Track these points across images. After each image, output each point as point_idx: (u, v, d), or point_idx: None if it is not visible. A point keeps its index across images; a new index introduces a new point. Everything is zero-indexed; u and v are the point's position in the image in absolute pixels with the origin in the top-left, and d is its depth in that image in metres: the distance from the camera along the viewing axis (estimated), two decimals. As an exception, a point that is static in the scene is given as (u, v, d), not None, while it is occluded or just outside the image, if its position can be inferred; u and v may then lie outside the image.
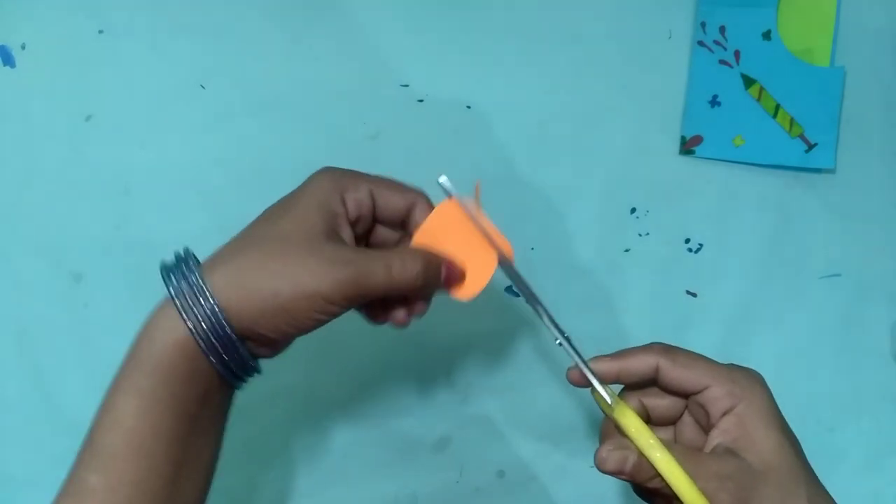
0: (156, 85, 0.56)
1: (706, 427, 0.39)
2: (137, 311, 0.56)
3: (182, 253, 0.38)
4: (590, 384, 0.40)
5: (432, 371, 0.57)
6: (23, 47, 0.56)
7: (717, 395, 0.38)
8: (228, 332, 0.36)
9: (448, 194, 0.40)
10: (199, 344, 0.36)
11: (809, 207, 0.57)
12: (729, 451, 0.37)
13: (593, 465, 0.57)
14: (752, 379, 0.39)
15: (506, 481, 0.57)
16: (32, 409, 0.56)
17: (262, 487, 0.56)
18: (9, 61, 0.56)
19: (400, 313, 0.41)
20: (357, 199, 0.40)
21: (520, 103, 0.57)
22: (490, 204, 0.43)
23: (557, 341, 0.40)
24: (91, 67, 0.56)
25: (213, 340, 0.36)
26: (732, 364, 0.40)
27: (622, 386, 0.42)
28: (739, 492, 0.35)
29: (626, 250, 0.58)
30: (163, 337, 0.36)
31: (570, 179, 0.58)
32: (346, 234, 0.39)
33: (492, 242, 0.41)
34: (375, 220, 0.42)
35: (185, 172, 0.56)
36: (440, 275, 0.40)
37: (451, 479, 0.57)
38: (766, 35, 0.57)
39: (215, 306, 0.36)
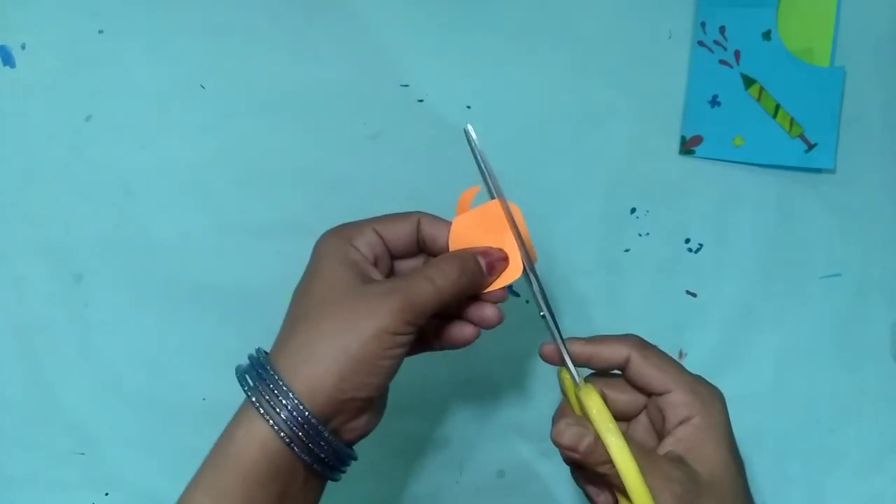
0: (156, 85, 0.56)
1: (659, 430, 0.40)
2: (137, 311, 0.56)
3: (254, 352, 0.38)
4: (560, 362, 0.41)
5: (432, 370, 0.57)
6: (23, 47, 0.56)
7: (677, 401, 0.39)
8: (308, 415, 0.35)
9: (470, 143, 0.41)
10: (280, 436, 0.35)
11: (809, 207, 0.57)
12: (680, 459, 0.37)
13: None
14: (714, 395, 0.39)
15: (506, 481, 0.57)
16: (32, 409, 0.56)
17: (262, 487, 0.56)
18: (9, 61, 0.56)
19: (487, 310, 0.41)
20: (367, 242, 0.40)
21: (520, 103, 0.57)
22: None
23: (542, 314, 0.41)
24: (91, 67, 0.56)
25: (294, 429, 0.35)
26: (699, 376, 0.40)
27: (589, 372, 0.42)
28: (684, 496, 0.36)
29: (626, 250, 0.58)
30: (242, 436, 0.36)
31: (570, 179, 0.58)
32: (375, 274, 0.40)
33: (507, 210, 0.41)
34: (391, 255, 0.42)
35: (185, 172, 0.56)
36: (481, 267, 0.40)
37: (451, 479, 0.57)
38: (766, 35, 0.57)
39: (289, 392, 0.35)
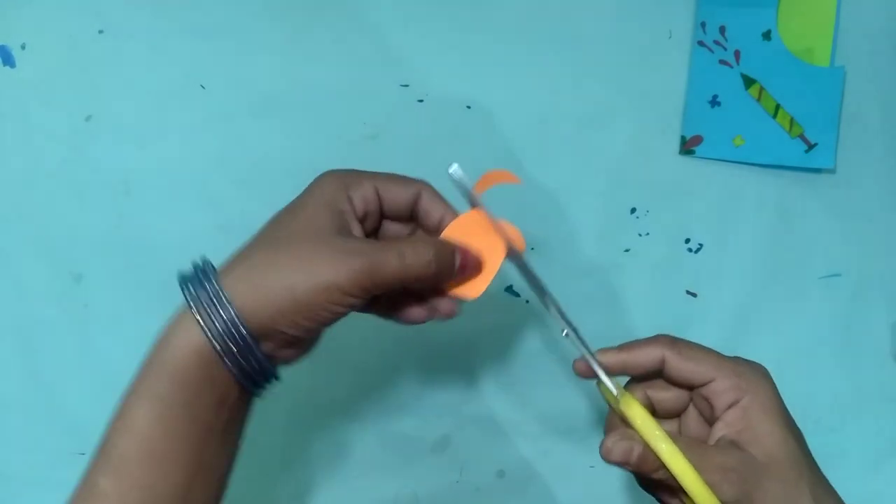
0: (156, 85, 0.56)
1: (710, 420, 0.39)
2: (137, 311, 0.56)
3: (199, 261, 0.38)
4: (595, 376, 0.40)
5: (432, 371, 0.57)
6: (23, 47, 0.56)
7: (722, 388, 0.38)
8: (244, 332, 0.36)
9: (458, 185, 0.40)
10: (213, 346, 0.36)
11: (809, 207, 0.57)
12: (733, 444, 0.37)
13: (594, 465, 0.58)
14: (758, 372, 0.39)
15: (506, 481, 0.57)
16: (32, 409, 0.56)
17: (261, 487, 0.56)
18: (9, 61, 0.56)
19: (416, 310, 0.41)
20: (363, 196, 0.40)
21: (520, 103, 0.57)
22: (490, 204, 0.43)
23: (564, 332, 0.40)
24: (91, 67, 0.56)
25: (229, 342, 0.36)
26: (738, 357, 0.40)
27: (627, 378, 0.42)
28: (743, 484, 0.35)
29: (626, 250, 0.58)
30: (179, 342, 0.36)
31: (570, 179, 0.58)
32: (356, 230, 0.39)
33: (501, 232, 0.41)
34: (383, 215, 0.42)
35: (185, 172, 0.56)
36: (454, 262, 0.40)
37: (451, 479, 0.57)
38: (766, 35, 0.57)
39: (229, 306, 0.35)
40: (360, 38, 0.57)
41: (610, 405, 0.41)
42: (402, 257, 0.37)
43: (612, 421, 0.41)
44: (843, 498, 0.39)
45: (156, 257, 0.56)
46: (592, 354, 0.40)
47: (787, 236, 0.57)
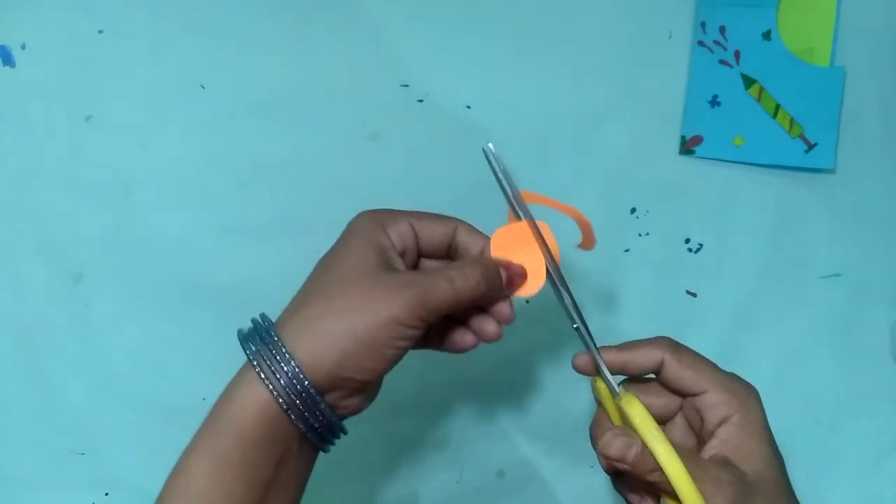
0: (156, 85, 0.56)
1: (697, 431, 0.40)
2: (137, 311, 0.56)
3: (258, 317, 0.38)
4: (594, 372, 0.40)
5: (432, 371, 0.57)
6: (23, 47, 0.56)
7: (714, 401, 0.38)
8: (307, 385, 0.36)
9: (490, 162, 0.41)
10: (278, 402, 0.36)
11: (809, 207, 0.57)
12: (726, 461, 0.37)
13: (593, 465, 0.58)
14: (750, 392, 0.39)
15: (506, 481, 0.57)
16: (32, 409, 0.56)
17: (262, 487, 0.56)
18: (9, 61, 0.56)
19: (487, 326, 0.41)
20: (399, 232, 0.40)
21: (520, 103, 0.57)
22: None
23: (575, 326, 0.40)
24: (91, 67, 0.56)
25: (293, 397, 0.36)
26: (733, 374, 0.40)
27: (622, 378, 0.42)
28: (736, 498, 0.36)
29: (626, 250, 0.58)
30: (240, 399, 0.36)
31: (570, 179, 0.58)
32: (399, 264, 0.40)
33: (538, 236, 0.42)
34: (419, 252, 0.42)
35: (185, 172, 0.56)
36: (501, 279, 0.40)
37: (451, 479, 0.57)
38: (766, 35, 0.57)
39: (291, 360, 0.36)
40: (360, 38, 0.57)
41: (601, 404, 0.41)
42: (452, 282, 0.38)
43: (602, 420, 0.41)
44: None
45: (156, 257, 0.56)
46: (598, 350, 0.40)
47: (787, 236, 0.57)
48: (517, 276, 0.41)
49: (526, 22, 0.58)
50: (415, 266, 0.43)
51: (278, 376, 0.35)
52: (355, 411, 0.40)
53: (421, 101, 0.57)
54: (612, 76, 0.58)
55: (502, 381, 0.57)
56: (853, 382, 0.57)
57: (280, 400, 0.36)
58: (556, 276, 0.41)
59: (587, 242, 0.44)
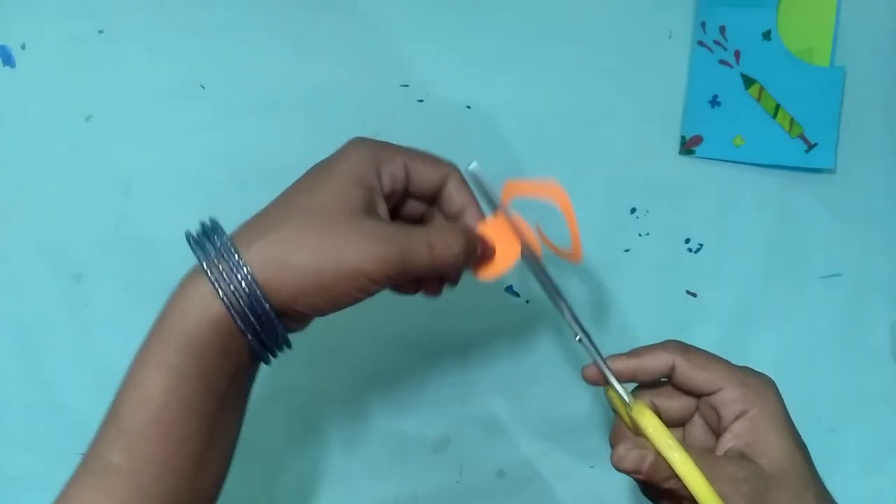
0: (156, 85, 0.56)
1: (716, 429, 0.39)
2: (137, 311, 0.56)
3: (209, 223, 0.37)
4: (605, 383, 0.40)
5: (432, 371, 0.57)
6: (23, 47, 0.56)
7: (730, 398, 0.38)
8: (268, 309, 0.35)
9: (475, 180, 0.40)
10: (235, 321, 0.35)
11: (809, 207, 0.57)
12: (742, 455, 0.37)
13: (593, 465, 0.58)
14: (766, 384, 0.39)
15: (506, 481, 0.57)
16: (32, 409, 0.56)
17: (261, 487, 0.56)
18: (9, 61, 0.56)
19: (434, 283, 0.41)
20: (392, 174, 0.39)
21: (520, 103, 0.57)
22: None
23: (577, 338, 0.40)
24: (91, 67, 0.56)
25: (251, 318, 0.35)
26: (746, 367, 0.40)
27: (634, 385, 0.42)
28: (754, 495, 0.35)
29: (626, 250, 0.58)
30: (195, 313, 0.35)
31: (570, 179, 0.57)
32: (382, 209, 0.38)
33: (520, 234, 0.41)
34: (407, 194, 0.41)
35: (185, 172, 0.56)
36: (477, 254, 0.40)
37: (451, 479, 0.57)
38: (766, 35, 0.57)
39: (253, 282, 0.34)
40: (360, 38, 0.57)
41: (617, 413, 0.41)
42: (432, 248, 0.37)
43: (620, 429, 0.40)
44: (843, 498, 0.39)
45: (156, 257, 0.56)
46: (605, 361, 0.40)
47: (787, 236, 0.57)
48: (486, 252, 0.40)
49: (526, 22, 0.58)
50: (398, 205, 0.41)
51: (237, 295, 0.34)
52: (297, 330, 0.39)
53: (421, 101, 0.57)
54: (612, 76, 0.58)
55: (502, 381, 0.57)
56: (853, 382, 0.57)
57: (237, 319, 0.35)
58: (551, 290, 0.41)
59: (574, 248, 0.43)
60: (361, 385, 0.57)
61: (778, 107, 0.57)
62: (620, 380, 0.40)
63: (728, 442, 0.38)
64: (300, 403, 0.56)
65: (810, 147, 0.56)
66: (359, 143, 0.39)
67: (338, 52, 0.57)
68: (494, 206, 0.41)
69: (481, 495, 0.57)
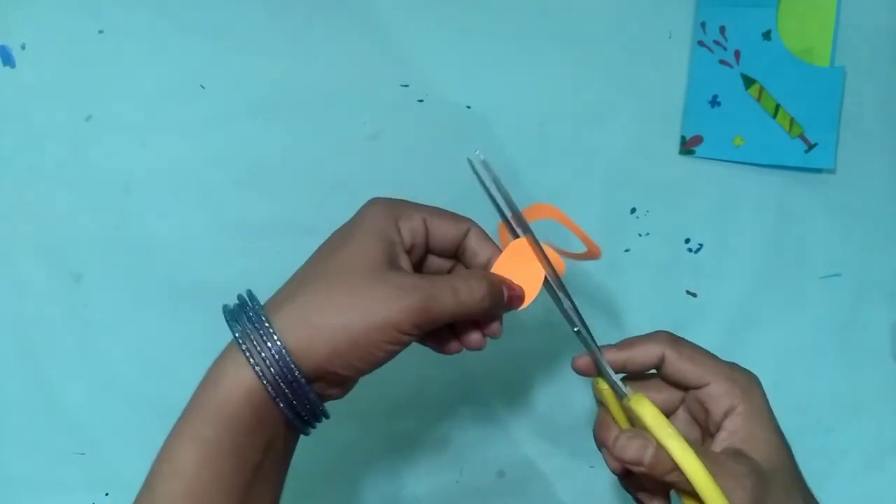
0: (156, 85, 0.56)
1: (703, 423, 0.40)
2: (137, 311, 0.56)
3: (245, 295, 0.38)
4: (596, 373, 0.40)
5: (433, 371, 0.57)
6: (23, 47, 0.56)
7: (717, 392, 0.38)
8: (297, 375, 0.35)
9: (475, 171, 0.40)
10: (267, 390, 0.35)
11: (809, 207, 0.57)
12: (739, 452, 0.37)
13: (593, 465, 0.58)
14: (751, 380, 0.39)
15: (506, 481, 0.57)
16: (32, 409, 0.56)
17: (262, 487, 0.56)
18: (9, 61, 0.56)
19: (474, 336, 0.41)
20: (411, 228, 0.40)
21: (520, 103, 0.57)
22: (490, 204, 0.43)
23: (576, 329, 0.40)
24: (91, 67, 0.56)
25: (282, 386, 0.35)
26: (733, 363, 0.40)
27: (622, 375, 0.42)
28: (755, 491, 0.35)
29: (626, 250, 0.58)
30: (228, 383, 0.35)
31: (570, 179, 0.58)
32: (405, 261, 0.39)
33: (542, 259, 0.41)
34: (428, 249, 0.42)
35: (185, 172, 0.56)
36: (503, 297, 0.40)
37: (451, 479, 0.57)
38: (766, 35, 0.57)
39: (283, 349, 0.35)
40: (360, 38, 0.57)
41: (604, 405, 0.41)
42: (457, 294, 0.37)
43: (605, 421, 0.41)
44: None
45: (156, 257, 0.56)
46: (601, 351, 0.40)
47: (787, 236, 0.57)
48: (516, 297, 0.41)
49: (526, 22, 0.58)
50: (420, 261, 0.42)
51: (268, 363, 0.35)
52: (334, 398, 0.39)
53: (421, 101, 0.57)
54: (612, 76, 0.58)
55: (502, 381, 0.57)
56: (853, 382, 0.57)
57: (269, 388, 0.35)
58: (554, 283, 0.41)
59: (588, 246, 0.43)
60: (361, 385, 0.56)
61: (778, 107, 0.57)
62: (613, 370, 0.40)
63: (723, 440, 0.38)
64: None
65: (810, 147, 0.56)
66: (377, 202, 0.40)
67: (338, 52, 0.57)
68: (506, 202, 0.41)
69: (481, 495, 0.57)
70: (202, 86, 0.57)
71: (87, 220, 0.56)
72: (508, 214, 0.41)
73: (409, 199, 0.41)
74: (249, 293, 0.38)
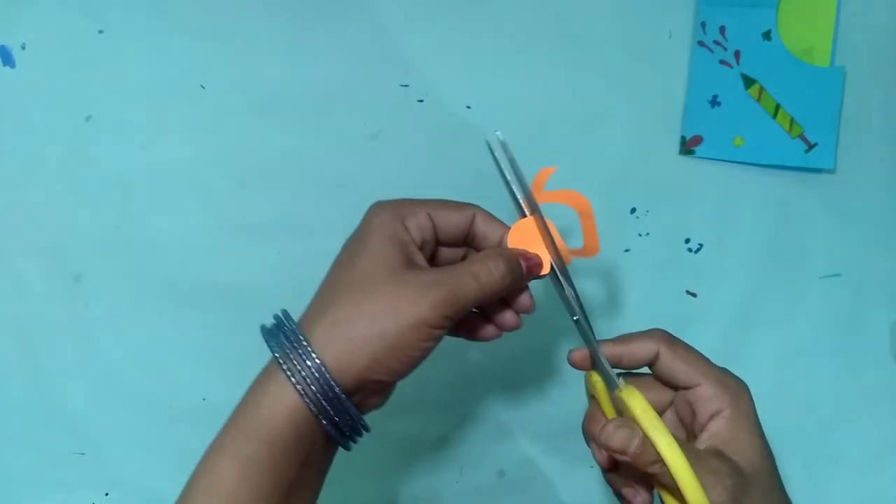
0: (156, 85, 0.56)
1: (689, 424, 0.40)
2: (137, 311, 0.56)
3: (281, 315, 0.38)
4: (591, 367, 0.41)
5: (432, 371, 0.57)
6: (23, 47, 0.56)
7: (706, 394, 0.39)
8: (338, 391, 0.36)
9: (492, 151, 0.41)
10: (309, 408, 0.36)
11: (809, 207, 0.57)
12: (719, 453, 0.38)
13: (593, 465, 0.58)
14: (741, 386, 0.40)
15: (506, 481, 0.57)
16: (32, 409, 0.56)
17: (262, 487, 0.56)
18: (9, 61, 0.56)
19: (508, 316, 0.42)
20: (418, 224, 0.40)
21: (520, 103, 0.57)
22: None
23: (575, 318, 0.41)
24: (91, 67, 0.56)
25: (324, 403, 0.36)
26: (725, 368, 0.40)
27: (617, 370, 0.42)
28: (735, 490, 0.36)
29: (626, 250, 0.58)
30: (269, 402, 0.36)
31: (570, 179, 0.57)
32: (420, 259, 0.40)
33: (548, 234, 0.42)
34: (438, 242, 0.42)
35: (185, 172, 0.56)
36: (522, 269, 0.40)
37: (451, 479, 0.57)
38: (766, 35, 0.57)
39: (322, 366, 0.36)
40: (360, 38, 0.57)
41: (595, 399, 0.42)
42: (478, 277, 0.38)
43: (595, 415, 0.41)
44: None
45: (156, 257, 0.56)
46: (598, 343, 0.40)
47: (787, 236, 0.57)
48: (535, 265, 0.41)
49: (526, 22, 0.58)
50: (433, 255, 0.42)
51: (309, 381, 0.35)
52: (375, 408, 0.40)
53: (421, 101, 0.57)
54: (612, 76, 0.58)
55: (502, 381, 0.57)
56: (853, 382, 0.57)
57: (311, 405, 0.36)
58: (558, 268, 0.41)
59: (589, 243, 0.43)
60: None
61: (778, 107, 0.57)
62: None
63: (705, 440, 0.38)
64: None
65: (810, 147, 0.56)
66: (379, 205, 0.41)
67: (338, 52, 0.57)
68: (513, 186, 0.42)
69: (481, 495, 0.57)
70: (202, 86, 0.57)
71: (87, 220, 0.56)
72: (521, 197, 0.42)
73: (408, 198, 0.41)
74: (285, 313, 0.38)
